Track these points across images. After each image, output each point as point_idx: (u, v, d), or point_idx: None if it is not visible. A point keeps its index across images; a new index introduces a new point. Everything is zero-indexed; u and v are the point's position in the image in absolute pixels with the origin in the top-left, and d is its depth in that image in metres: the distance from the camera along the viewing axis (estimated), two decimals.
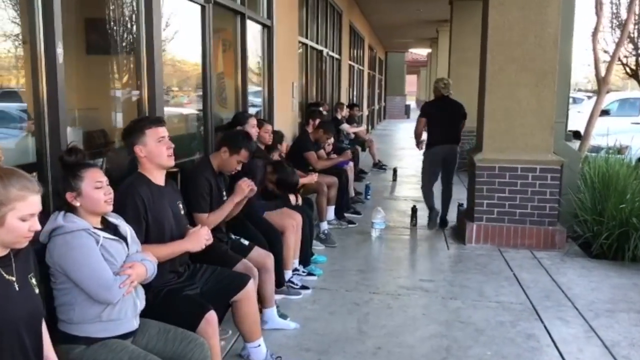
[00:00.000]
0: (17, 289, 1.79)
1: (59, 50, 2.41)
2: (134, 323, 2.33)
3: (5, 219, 1.73)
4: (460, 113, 6.39)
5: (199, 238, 2.76)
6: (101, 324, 2.21)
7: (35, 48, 2.41)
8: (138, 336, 2.35)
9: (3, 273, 1.77)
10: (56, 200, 2.37)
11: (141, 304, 2.36)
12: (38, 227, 1.81)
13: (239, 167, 3.50)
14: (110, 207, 2.32)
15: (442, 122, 6.28)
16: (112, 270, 2.21)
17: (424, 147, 6.54)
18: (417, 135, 6.57)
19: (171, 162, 2.79)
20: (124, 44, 3.93)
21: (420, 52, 32.72)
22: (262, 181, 4.19)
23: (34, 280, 1.88)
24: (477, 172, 5.81)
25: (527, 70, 5.59)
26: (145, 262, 2.32)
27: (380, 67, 25.19)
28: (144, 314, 2.48)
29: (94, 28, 4.02)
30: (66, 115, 2.50)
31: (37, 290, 1.88)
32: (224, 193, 3.37)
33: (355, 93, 15.52)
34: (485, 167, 5.79)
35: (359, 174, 9.65)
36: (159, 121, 2.81)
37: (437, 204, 6.53)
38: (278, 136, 5.30)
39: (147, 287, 2.58)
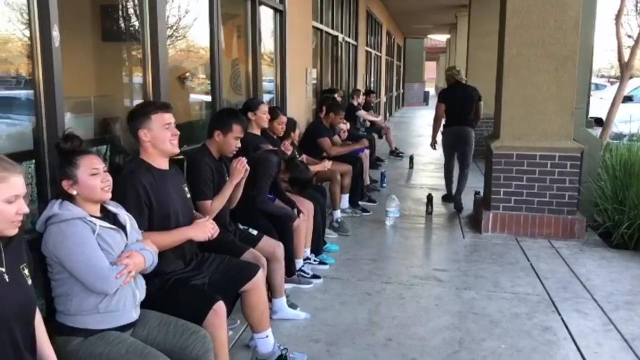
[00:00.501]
0: (6, 280, 1.73)
1: (55, 33, 2.34)
2: (133, 314, 2.27)
3: None
4: (474, 96, 6.69)
5: (204, 228, 2.69)
6: (99, 315, 2.16)
7: (30, 31, 2.34)
8: (138, 328, 2.30)
9: None
10: (54, 189, 2.31)
11: (140, 294, 2.31)
12: (26, 209, 1.74)
13: (238, 144, 3.41)
14: (108, 195, 2.26)
15: (456, 106, 6.63)
16: (109, 260, 2.15)
17: (436, 147, 7.21)
18: (437, 119, 6.87)
19: (176, 149, 2.72)
20: (138, 30, 3.88)
21: (440, 38, 32.32)
22: (276, 177, 4.08)
23: (26, 271, 1.82)
24: (494, 159, 5.68)
25: (546, 55, 5.43)
26: (144, 251, 2.26)
27: (398, 54, 24.90)
28: (149, 304, 2.43)
29: (109, 15, 3.98)
30: (63, 101, 2.43)
31: (29, 282, 1.82)
32: (227, 178, 3.29)
33: (372, 80, 15.33)
34: (503, 154, 5.65)
35: (375, 162, 9.54)
36: (166, 107, 2.73)
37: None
38: (291, 123, 5.21)
39: (153, 276, 2.53)
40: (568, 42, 5.36)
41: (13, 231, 1.75)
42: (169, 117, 2.69)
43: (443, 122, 6.83)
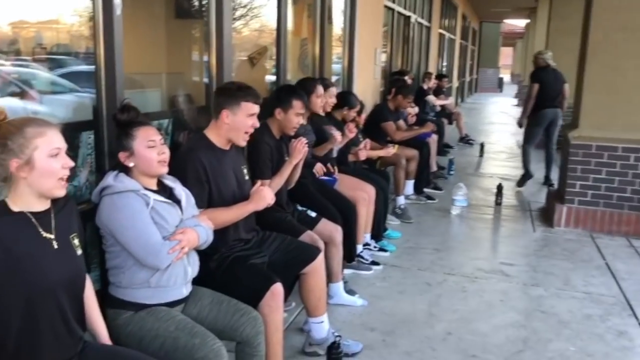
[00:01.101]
0: (55, 247, 1.71)
1: (117, 0, 2.30)
2: (183, 291, 2.23)
3: (34, 160, 1.64)
4: (564, 79, 6.80)
5: (261, 195, 2.62)
6: (149, 289, 2.12)
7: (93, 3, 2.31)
8: (189, 305, 2.26)
9: (40, 230, 1.69)
10: (112, 161, 2.29)
11: (193, 271, 2.26)
12: (71, 162, 1.71)
13: (300, 120, 3.33)
14: (165, 169, 2.21)
15: (549, 87, 6.70)
16: (163, 234, 2.10)
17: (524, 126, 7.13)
18: (529, 99, 6.82)
19: (244, 143, 2.71)
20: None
21: (517, 23, 31.08)
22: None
23: (76, 241, 1.79)
24: (571, 150, 5.35)
25: (636, 40, 5.02)
26: (199, 227, 2.20)
27: (473, 38, 24.12)
28: (207, 281, 2.39)
29: None
30: (123, 73, 2.40)
31: (79, 252, 1.79)
32: (286, 157, 3.21)
33: (444, 63, 14.90)
34: (581, 145, 5.30)
35: (444, 148, 9.24)
36: (257, 97, 2.68)
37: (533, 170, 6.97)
38: (360, 106, 5.09)
39: (212, 253, 2.49)
40: None
41: (62, 191, 1.72)
42: (256, 109, 2.66)
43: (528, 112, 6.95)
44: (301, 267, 2.85)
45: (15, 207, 1.67)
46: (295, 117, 3.27)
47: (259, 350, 2.31)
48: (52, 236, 1.72)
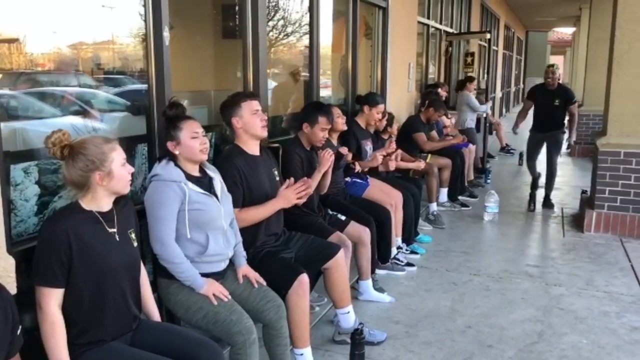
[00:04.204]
0: (117, 239, 2.11)
1: (165, 33, 2.71)
2: (222, 265, 2.62)
3: (112, 170, 2.05)
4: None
5: (287, 194, 2.99)
6: (193, 263, 2.49)
7: (146, 32, 2.73)
8: (227, 281, 2.63)
9: (106, 226, 2.09)
10: (160, 150, 2.71)
11: (231, 252, 2.66)
12: (132, 168, 2.14)
13: (326, 135, 3.68)
14: (205, 156, 2.59)
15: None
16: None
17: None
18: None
19: (264, 132, 3.04)
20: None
21: (566, 31, 30.61)
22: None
23: (133, 235, 2.20)
24: (600, 157, 5.51)
25: None
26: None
27: (519, 47, 23.98)
28: None
29: (229, 13, 4.38)
30: (171, 93, 2.80)
31: (135, 244, 2.20)
32: (316, 166, 3.56)
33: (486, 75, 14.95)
34: (610, 152, 5.46)
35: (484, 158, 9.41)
36: (253, 95, 3.07)
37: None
38: (389, 118, 5.39)
39: (247, 248, 2.87)
40: None
41: (127, 189, 2.14)
42: (256, 104, 3.00)
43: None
44: (323, 262, 3.18)
45: (86, 206, 2.08)
46: (320, 131, 3.63)
47: (282, 333, 2.67)
48: (115, 230, 2.12)
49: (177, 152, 2.53)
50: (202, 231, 2.51)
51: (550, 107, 6.50)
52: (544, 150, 6.76)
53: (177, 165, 2.52)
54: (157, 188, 2.46)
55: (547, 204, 6.56)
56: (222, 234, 2.59)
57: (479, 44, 12.06)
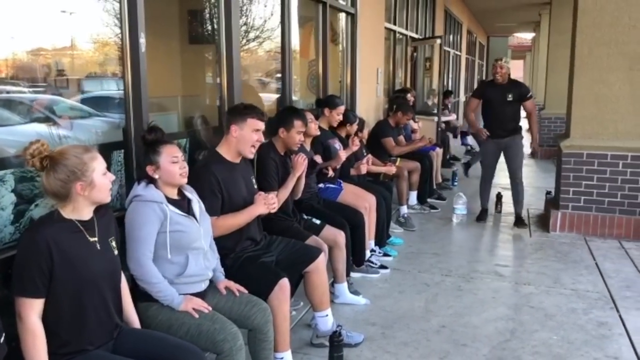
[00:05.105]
0: (98, 248, 2.10)
1: (142, 40, 2.71)
2: (202, 285, 2.60)
3: (94, 180, 2.04)
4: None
5: (261, 202, 3.00)
6: (173, 285, 2.48)
7: (122, 38, 2.73)
8: (208, 297, 2.62)
9: (87, 235, 2.08)
10: (138, 172, 2.69)
11: (210, 273, 2.66)
12: (112, 176, 2.14)
13: (302, 137, 3.71)
14: (185, 180, 2.59)
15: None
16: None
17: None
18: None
19: (251, 155, 3.08)
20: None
21: (525, 37, 31.36)
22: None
23: (113, 243, 2.19)
24: (563, 158, 5.68)
25: (619, 54, 5.38)
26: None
27: (480, 52, 24.46)
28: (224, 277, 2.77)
29: (195, 18, 4.38)
30: (148, 99, 2.80)
31: (115, 252, 2.19)
32: (291, 171, 3.59)
33: (450, 79, 15.25)
34: (572, 153, 5.64)
35: (450, 161, 9.60)
36: (262, 115, 3.06)
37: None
38: (360, 123, 5.46)
39: (228, 253, 2.91)
40: None
41: (109, 198, 2.13)
42: (261, 125, 3.03)
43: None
44: (304, 265, 3.21)
45: (67, 215, 2.06)
46: (297, 134, 3.65)
47: (268, 337, 2.68)
48: (96, 239, 2.11)
49: (156, 176, 2.53)
50: (182, 252, 2.51)
51: (502, 103, 5.72)
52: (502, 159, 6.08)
53: (157, 188, 2.52)
54: (138, 209, 2.45)
55: (520, 223, 5.95)
56: (203, 255, 2.59)
57: (445, 50, 12.29)
